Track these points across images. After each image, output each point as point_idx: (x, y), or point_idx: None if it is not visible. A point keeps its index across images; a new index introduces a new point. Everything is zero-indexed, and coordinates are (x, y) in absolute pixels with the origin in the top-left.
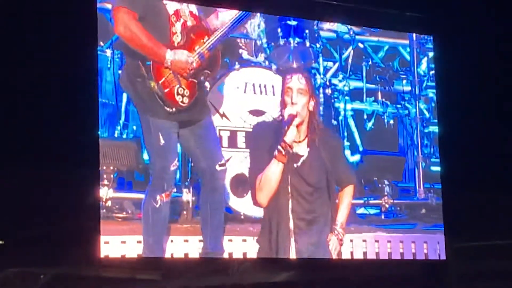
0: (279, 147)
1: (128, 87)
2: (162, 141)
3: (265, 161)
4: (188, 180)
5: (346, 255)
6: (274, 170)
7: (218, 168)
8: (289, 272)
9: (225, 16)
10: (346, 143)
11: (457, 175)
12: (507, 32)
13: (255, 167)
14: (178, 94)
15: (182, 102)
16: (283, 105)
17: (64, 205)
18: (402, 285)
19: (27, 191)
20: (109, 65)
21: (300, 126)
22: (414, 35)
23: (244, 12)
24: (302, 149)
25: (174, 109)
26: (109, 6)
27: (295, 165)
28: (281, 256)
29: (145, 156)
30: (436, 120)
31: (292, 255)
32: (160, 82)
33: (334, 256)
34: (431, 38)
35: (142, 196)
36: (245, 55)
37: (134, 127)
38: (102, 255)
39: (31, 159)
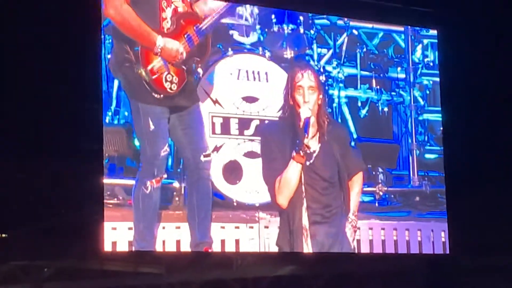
0: (297, 147)
1: (116, 71)
2: (152, 127)
3: (278, 163)
4: (180, 167)
5: None
6: (293, 172)
7: (202, 159)
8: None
9: (214, 2)
10: None
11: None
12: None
13: (270, 169)
14: (166, 81)
15: (170, 89)
16: (295, 101)
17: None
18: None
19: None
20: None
21: (312, 123)
22: None
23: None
24: (314, 145)
25: (161, 96)
26: None
27: (308, 163)
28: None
29: (136, 142)
30: (431, 108)
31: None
32: (148, 68)
33: (352, 244)
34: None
35: (133, 182)
36: (236, 36)
37: (126, 113)
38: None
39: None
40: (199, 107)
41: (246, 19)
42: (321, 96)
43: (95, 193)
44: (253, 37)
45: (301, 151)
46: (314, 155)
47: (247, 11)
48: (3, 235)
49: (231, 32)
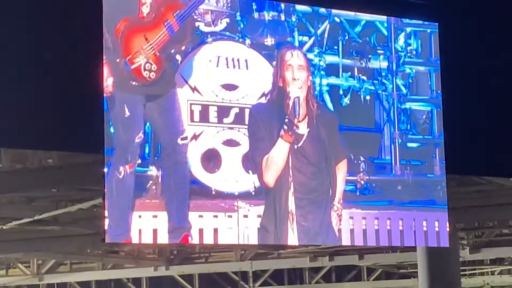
0: (285, 126)
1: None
2: (128, 113)
3: (265, 143)
4: (157, 154)
5: None
6: (281, 150)
7: (180, 141)
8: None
9: None
10: None
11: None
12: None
13: (257, 148)
14: (145, 69)
15: (149, 77)
16: (284, 81)
17: None
18: None
19: None
20: None
21: (301, 104)
22: None
23: None
24: (302, 129)
25: (139, 83)
26: None
27: (295, 146)
28: (283, 238)
29: (112, 130)
30: (413, 97)
31: (294, 238)
32: (127, 58)
33: (337, 234)
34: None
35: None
36: (202, 27)
37: None
38: None
39: None
40: (175, 92)
41: (224, 5)
42: (310, 78)
43: None
44: (221, 25)
45: (289, 131)
46: (303, 138)
47: None
48: None
49: (197, 24)
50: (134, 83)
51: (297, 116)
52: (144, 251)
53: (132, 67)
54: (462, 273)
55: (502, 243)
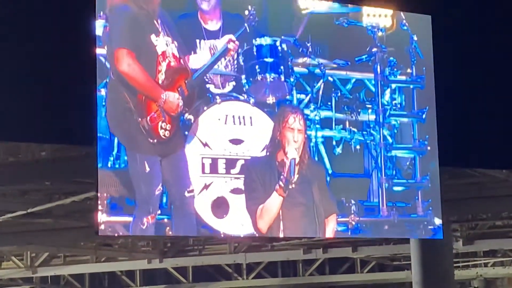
0: (281, 183)
1: (115, 126)
2: (148, 169)
3: (259, 193)
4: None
5: None
6: (274, 203)
7: (186, 194)
8: None
9: (200, 57)
10: None
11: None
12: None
13: (252, 199)
14: (161, 128)
15: (164, 135)
16: (284, 139)
17: None
18: None
19: None
20: (103, 103)
21: (296, 164)
22: (378, 69)
23: (220, 51)
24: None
25: (155, 141)
26: (102, 51)
27: (288, 198)
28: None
29: (133, 183)
30: (398, 145)
31: None
32: (149, 117)
33: None
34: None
35: (130, 219)
36: (212, 88)
37: (125, 157)
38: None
39: None
40: (184, 149)
41: (230, 69)
42: (305, 137)
43: None
44: (229, 87)
45: (284, 187)
46: (294, 190)
47: (233, 64)
48: None
49: (208, 85)
50: (151, 140)
51: (292, 177)
52: (138, 243)
53: (152, 124)
54: (455, 265)
55: (495, 235)
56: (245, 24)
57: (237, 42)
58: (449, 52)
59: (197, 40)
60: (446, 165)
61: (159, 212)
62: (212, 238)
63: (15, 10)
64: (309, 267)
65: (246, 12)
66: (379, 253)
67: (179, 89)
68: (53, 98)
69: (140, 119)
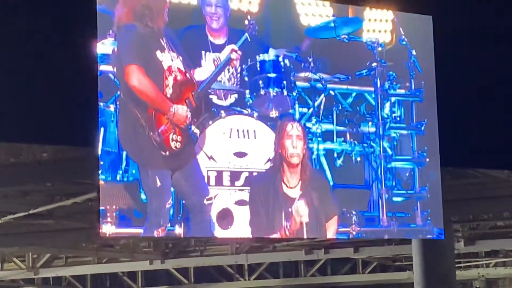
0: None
1: (125, 143)
2: (159, 183)
3: (261, 215)
4: (180, 215)
5: None
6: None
7: (206, 202)
8: None
9: (204, 69)
10: None
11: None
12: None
13: (255, 210)
14: (172, 140)
15: (175, 147)
16: (284, 149)
17: None
18: None
19: None
20: (112, 119)
21: (296, 168)
22: (378, 83)
23: (223, 62)
24: (295, 193)
25: (168, 153)
26: (108, 68)
27: (289, 209)
28: None
29: (143, 196)
30: (398, 157)
31: None
32: (159, 130)
33: None
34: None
35: (139, 231)
36: (215, 99)
37: (134, 171)
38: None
39: None
40: (197, 159)
41: (233, 82)
42: (305, 147)
43: None
44: (231, 99)
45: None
46: (295, 201)
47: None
48: None
49: (210, 96)
50: (163, 153)
51: (295, 185)
52: (140, 244)
53: (163, 137)
54: (457, 265)
55: (496, 235)
56: (246, 34)
57: (239, 52)
58: (451, 53)
59: (203, 52)
60: (447, 166)
61: (169, 224)
62: (213, 239)
63: (16, 10)
64: (311, 267)
65: (246, 22)
66: (381, 254)
67: (187, 101)
68: (54, 99)
69: (151, 133)
